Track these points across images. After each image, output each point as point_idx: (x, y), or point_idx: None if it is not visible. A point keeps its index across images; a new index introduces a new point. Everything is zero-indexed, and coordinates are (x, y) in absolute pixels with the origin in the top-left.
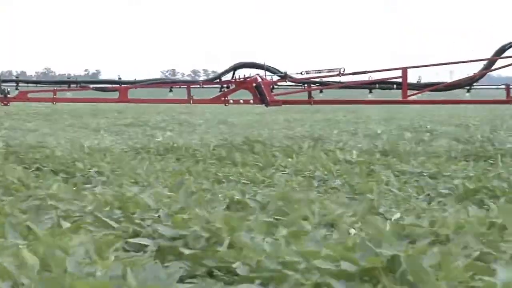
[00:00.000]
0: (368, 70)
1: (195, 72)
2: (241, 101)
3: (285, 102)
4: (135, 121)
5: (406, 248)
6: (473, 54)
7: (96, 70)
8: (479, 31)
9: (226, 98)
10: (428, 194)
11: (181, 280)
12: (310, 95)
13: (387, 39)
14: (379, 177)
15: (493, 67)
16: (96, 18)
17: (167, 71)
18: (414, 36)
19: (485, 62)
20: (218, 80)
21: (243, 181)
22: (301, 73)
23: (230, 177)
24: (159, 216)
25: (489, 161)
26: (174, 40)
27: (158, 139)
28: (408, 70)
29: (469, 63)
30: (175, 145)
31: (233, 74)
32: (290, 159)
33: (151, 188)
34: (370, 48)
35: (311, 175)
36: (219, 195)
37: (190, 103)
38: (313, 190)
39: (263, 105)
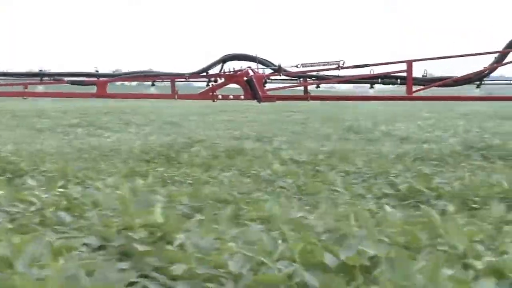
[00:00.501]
0: (369, 63)
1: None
2: (231, 96)
3: (280, 97)
4: (80, 122)
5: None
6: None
7: (40, 70)
8: (479, 31)
9: (215, 93)
10: (375, 195)
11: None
12: (306, 90)
13: (387, 39)
14: (325, 178)
15: (505, 61)
16: (41, 16)
17: (113, 71)
18: (414, 36)
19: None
20: (205, 74)
21: (189, 181)
22: (297, 66)
23: (176, 178)
24: (104, 216)
25: (435, 162)
26: (117, 40)
27: (109, 139)
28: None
29: (476, 56)
30: (121, 145)
31: (222, 66)
32: (235, 159)
33: (96, 189)
34: (370, 48)
35: (257, 175)
36: (164, 196)
37: (174, 98)
38: (259, 190)
39: (255, 101)
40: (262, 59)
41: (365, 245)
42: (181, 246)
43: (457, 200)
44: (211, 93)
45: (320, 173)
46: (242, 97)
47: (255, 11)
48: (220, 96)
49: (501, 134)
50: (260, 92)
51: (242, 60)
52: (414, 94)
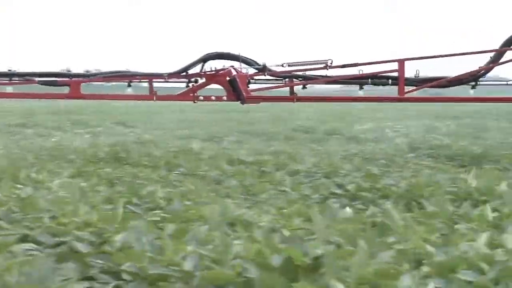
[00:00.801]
0: (359, 62)
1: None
2: (213, 97)
3: (264, 98)
4: (26, 122)
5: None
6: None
7: (9, 70)
8: (479, 31)
9: (196, 94)
10: (322, 194)
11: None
12: (292, 91)
13: (387, 39)
14: (272, 178)
15: (502, 60)
16: (41, 16)
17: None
18: (414, 36)
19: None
20: (185, 74)
21: (138, 181)
22: (282, 65)
23: (124, 178)
24: (50, 217)
25: (382, 161)
26: (117, 40)
27: (53, 139)
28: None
29: (472, 55)
30: (68, 146)
31: (203, 66)
32: (184, 159)
33: (43, 190)
34: (370, 48)
35: (205, 175)
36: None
37: (153, 99)
38: (207, 190)
39: (239, 102)
40: (246, 57)
41: (312, 245)
42: (131, 245)
43: (403, 199)
44: (191, 94)
45: (268, 173)
46: (225, 98)
47: (256, 11)
48: (201, 97)
49: (449, 135)
50: (243, 93)
51: (224, 59)
52: (406, 95)
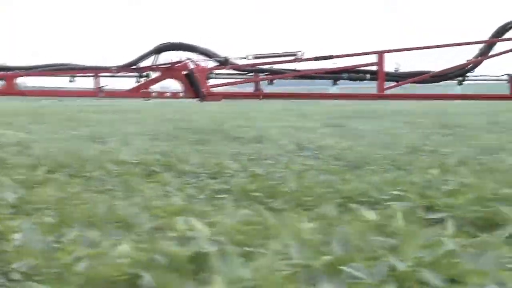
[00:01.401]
0: (333, 54)
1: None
2: (168, 93)
3: (226, 95)
4: None
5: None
6: (472, 53)
7: None
8: (479, 31)
9: (147, 90)
10: (208, 195)
11: None
12: (257, 87)
13: (387, 39)
14: (160, 178)
15: (491, 53)
16: (41, 16)
17: None
18: (414, 36)
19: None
20: (135, 67)
21: (19, 182)
22: (246, 58)
23: (2, 178)
24: None
25: (269, 161)
26: (118, 40)
27: None
28: (386, 56)
29: (460, 46)
30: None
31: (155, 58)
32: (69, 160)
33: None
34: (369, 48)
35: (89, 175)
36: None
37: (98, 96)
38: (89, 190)
39: (197, 99)
40: (206, 49)
41: (198, 245)
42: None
43: (290, 199)
44: (143, 90)
45: (155, 174)
46: (181, 94)
47: (257, 12)
48: (154, 94)
49: (337, 135)
50: (202, 89)
51: (181, 50)
52: (386, 92)
